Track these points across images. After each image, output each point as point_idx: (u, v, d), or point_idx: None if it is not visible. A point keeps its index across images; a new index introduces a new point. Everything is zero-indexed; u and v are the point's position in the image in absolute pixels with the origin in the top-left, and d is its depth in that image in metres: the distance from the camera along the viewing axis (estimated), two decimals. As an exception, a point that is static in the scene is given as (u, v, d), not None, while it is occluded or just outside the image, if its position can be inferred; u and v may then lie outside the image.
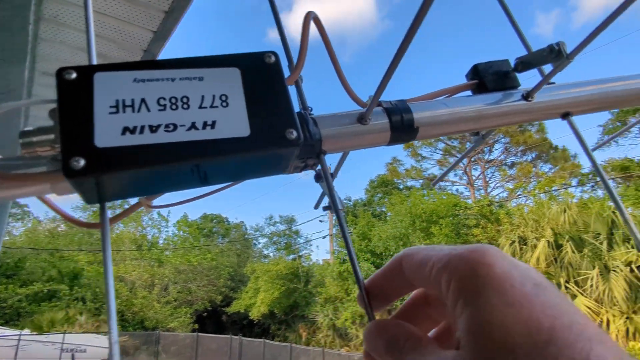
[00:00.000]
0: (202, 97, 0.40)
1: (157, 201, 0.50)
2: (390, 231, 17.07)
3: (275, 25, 0.54)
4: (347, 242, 0.46)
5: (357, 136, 0.49)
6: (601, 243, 11.86)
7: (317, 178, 0.53)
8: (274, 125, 0.40)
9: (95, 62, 0.47)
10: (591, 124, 22.12)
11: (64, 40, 1.96)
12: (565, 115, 0.57)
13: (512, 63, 0.59)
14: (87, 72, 0.38)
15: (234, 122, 0.39)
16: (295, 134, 0.40)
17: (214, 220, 29.59)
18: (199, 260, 22.58)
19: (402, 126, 0.50)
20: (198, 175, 0.40)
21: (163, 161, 0.36)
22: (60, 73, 0.37)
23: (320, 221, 25.70)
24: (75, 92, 0.37)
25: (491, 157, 26.11)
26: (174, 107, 0.39)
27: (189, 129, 0.38)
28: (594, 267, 11.47)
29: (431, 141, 24.36)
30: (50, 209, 0.47)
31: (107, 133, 0.36)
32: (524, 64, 0.56)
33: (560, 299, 0.27)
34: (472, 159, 25.44)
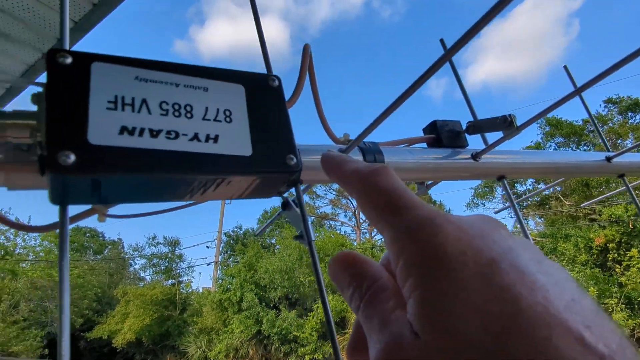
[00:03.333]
0: (206, 108, 0.38)
1: (112, 210, 0.45)
2: (278, 264, 17.00)
3: (257, 36, 0.53)
4: (318, 274, 0.46)
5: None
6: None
7: (285, 206, 0.53)
8: (276, 149, 0.39)
9: (67, 42, 0.42)
10: (465, 186, 24.68)
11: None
12: (501, 178, 0.65)
13: (463, 125, 0.66)
14: (84, 59, 0.34)
15: (237, 140, 0.38)
16: (295, 160, 0.40)
17: (87, 234, 26.83)
18: (61, 276, 20.04)
19: (373, 167, 0.52)
20: (184, 190, 0.37)
21: (164, 169, 0.33)
22: (54, 55, 0.33)
23: (207, 247, 24.73)
24: (69, 78, 0.33)
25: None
26: (176, 113, 0.36)
27: (192, 139, 0.36)
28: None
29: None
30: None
31: (102, 130, 0.32)
32: (476, 127, 0.63)
33: (525, 274, 0.23)
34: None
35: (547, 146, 22.40)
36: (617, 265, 12.33)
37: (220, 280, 20.09)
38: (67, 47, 0.40)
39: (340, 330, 14.74)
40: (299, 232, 0.49)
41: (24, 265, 20.96)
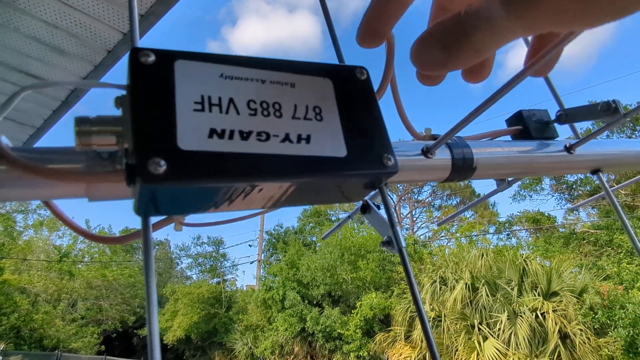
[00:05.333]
0: (295, 106, 0.35)
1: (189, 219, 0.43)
2: (319, 261, 17.05)
3: (328, 31, 0.50)
4: (410, 279, 0.42)
5: (419, 170, 0.46)
6: (512, 289, 12.61)
7: (365, 209, 0.49)
8: (371, 149, 0.36)
9: (138, 44, 0.40)
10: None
11: (17, 27, 1.76)
12: (596, 171, 0.58)
13: (551, 114, 0.60)
14: (167, 57, 0.32)
15: (330, 140, 0.34)
16: (392, 160, 0.36)
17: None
18: (115, 275, 20.92)
19: (462, 164, 0.48)
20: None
21: (258, 175, 0.30)
22: (136, 54, 0.30)
23: (250, 246, 25.14)
24: (154, 79, 0.30)
25: (420, 198, 27.28)
26: (265, 112, 0.33)
27: (283, 140, 0.32)
28: (504, 311, 12.13)
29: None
30: (65, 224, 0.38)
31: (191, 134, 0.29)
32: (569, 116, 0.57)
33: None
34: (402, 198, 26.40)
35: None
36: (682, 258, 11.60)
37: (263, 279, 20.40)
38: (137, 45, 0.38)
39: (385, 327, 14.63)
40: (385, 238, 0.45)
41: (80, 266, 22.03)
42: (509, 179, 0.64)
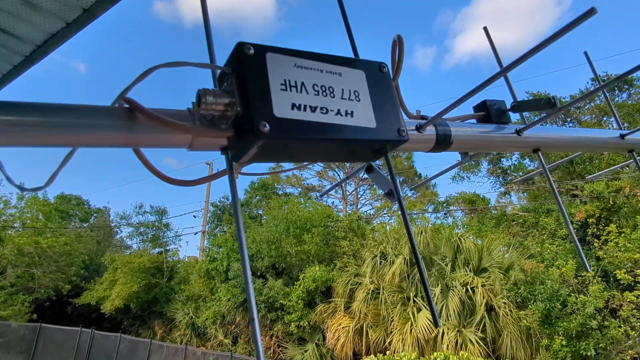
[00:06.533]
0: (342, 90, 0.48)
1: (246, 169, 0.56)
2: (265, 234, 17.22)
3: (345, 29, 0.63)
4: (409, 231, 0.57)
5: (412, 142, 0.61)
6: (446, 265, 13.45)
7: (370, 169, 0.64)
8: (391, 123, 0.50)
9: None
10: (451, 160, 24.98)
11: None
12: (536, 150, 0.77)
13: (507, 104, 0.77)
14: (261, 50, 0.44)
15: (366, 115, 0.48)
16: (405, 131, 0.51)
17: (72, 202, 26.64)
18: (49, 243, 19.97)
19: (443, 139, 0.63)
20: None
21: (322, 136, 0.44)
22: (241, 47, 0.42)
23: (194, 217, 24.80)
24: (254, 66, 0.43)
25: (364, 176, 28.00)
26: (324, 94, 0.46)
27: (337, 114, 0.46)
28: (438, 285, 12.94)
29: (314, 152, 25.19)
30: (154, 173, 0.50)
31: (281, 106, 0.43)
32: (521, 107, 0.74)
33: None
34: (349, 182, 27.00)
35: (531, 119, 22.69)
36: (595, 240, 12.80)
37: (207, 250, 20.31)
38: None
39: (326, 299, 15.13)
40: (386, 190, 0.60)
41: (10, 232, 20.82)
42: (471, 154, 0.81)
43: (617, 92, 21.18)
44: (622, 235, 11.61)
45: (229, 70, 0.43)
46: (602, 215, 13.20)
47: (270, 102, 0.42)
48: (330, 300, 14.85)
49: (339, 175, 26.99)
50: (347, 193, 27.80)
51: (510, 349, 11.36)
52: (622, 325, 10.07)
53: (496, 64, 0.83)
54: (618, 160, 16.21)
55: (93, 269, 22.69)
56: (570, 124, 21.61)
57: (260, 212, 23.12)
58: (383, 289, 13.56)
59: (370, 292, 13.85)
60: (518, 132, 0.73)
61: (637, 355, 9.94)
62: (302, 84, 0.46)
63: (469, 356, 9.63)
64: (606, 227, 12.25)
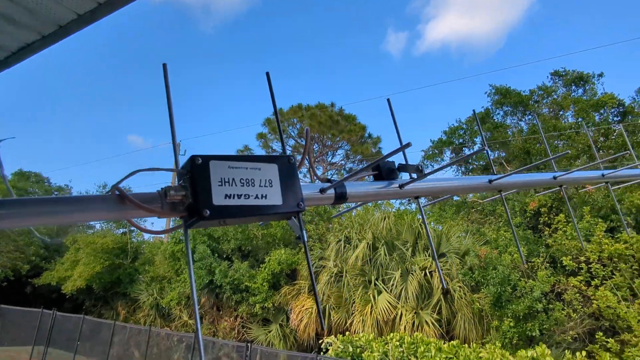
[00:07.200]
0: (260, 180, 0.74)
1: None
2: (231, 217, 17.31)
3: (275, 117, 0.89)
4: (310, 270, 0.84)
5: (317, 199, 0.88)
6: (407, 249, 14.03)
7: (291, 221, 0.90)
8: (294, 199, 0.76)
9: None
10: (416, 149, 25.68)
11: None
12: (417, 197, 1.05)
13: (396, 164, 1.05)
14: (207, 159, 0.69)
15: (275, 196, 0.74)
16: (303, 205, 0.77)
17: (32, 179, 25.88)
18: (7, 222, 19.35)
19: (340, 196, 0.90)
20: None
21: (248, 215, 0.69)
22: (193, 159, 0.67)
23: (159, 197, 24.45)
24: (201, 171, 0.68)
25: (333, 161, 28.42)
26: (247, 184, 0.72)
27: (255, 197, 0.72)
28: (398, 269, 13.52)
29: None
30: (137, 228, 0.75)
31: (217, 196, 0.68)
32: (402, 169, 1.02)
33: None
34: (317, 160, 27.29)
35: (495, 112, 23.56)
36: (546, 228, 13.57)
37: (173, 232, 20.26)
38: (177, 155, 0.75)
39: (290, 281, 15.51)
40: (297, 235, 0.87)
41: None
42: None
43: (573, 87, 22.13)
44: (569, 224, 12.41)
45: (184, 172, 0.68)
46: (554, 205, 13.98)
47: (211, 194, 0.68)
48: (295, 282, 15.23)
49: (306, 158, 27.20)
50: (315, 178, 28.13)
51: (463, 330, 12.06)
52: (565, 308, 10.85)
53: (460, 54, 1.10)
54: (572, 154, 17.15)
55: (54, 249, 22.30)
56: (530, 117, 22.50)
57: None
58: (346, 272, 14.03)
59: (334, 275, 14.31)
60: (400, 186, 1.01)
61: (577, 336, 10.77)
62: (232, 179, 0.71)
63: (422, 337, 10.21)
64: (556, 217, 13.01)
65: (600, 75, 21.46)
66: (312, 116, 25.01)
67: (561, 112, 21.63)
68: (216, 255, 17.00)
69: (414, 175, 1.02)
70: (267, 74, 0.88)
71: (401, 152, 1.10)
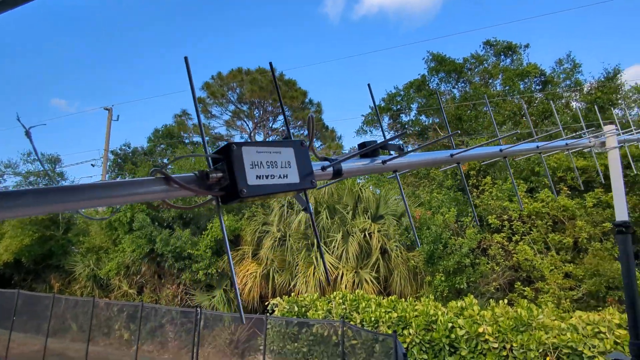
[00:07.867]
0: (281, 162, 0.86)
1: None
2: (171, 184, 16.91)
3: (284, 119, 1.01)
4: (318, 242, 0.99)
5: (319, 175, 1.02)
6: (348, 213, 14.55)
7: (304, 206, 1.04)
8: (307, 177, 0.89)
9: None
10: (356, 114, 26.06)
11: None
12: (395, 172, 1.22)
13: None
14: (240, 146, 0.80)
15: (294, 175, 0.87)
16: (315, 182, 0.90)
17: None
18: None
19: (337, 172, 1.05)
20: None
21: (274, 192, 0.82)
22: (230, 145, 0.78)
23: (93, 165, 23.34)
24: (236, 156, 0.79)
25: (274, 126, 28.23)
26: (271, 166, 0.84)
27: (279, 177, 0.84)
28: (339, 232, 14.05)
29: (222, 101, 24.77)
30: (172, 206, 0.85)
31: (251, 177, 0.80)
32: (388, 147, 1.18)
33: None
34: (258, 125, 27.00)
35: (431, 80, 24.40)
36: (475, 190, 14.59)
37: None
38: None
39: (234, 247, 15.61)
40: (303, 207, 1.01)
41: None
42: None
43: (502, 56, 23.31)
44: (495, 186, 13.44)
45: (221, 157, 0.79)
46: (482, 168, 15.00)
47: (245, 176, 0.80)
48: (239, 248, 15.36)
49: (247, 124, 26.89)
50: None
51: (400, 286, 12.90)
52: (489, 262, 11.91)
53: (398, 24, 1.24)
54: (497, 120, 18.29)
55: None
56: (462, 84, 23.54)
57: (165, 160, 22.49)
58: (289, 236, 14.34)
59: (277, 239, 14.59)
60: (383, 162, 1.18)
61: (499, 286, 11.89)
62: (260, 162, 0.83)
63: (363, 294, 10.83)
64: (484, 179, 14.03)
65: (527, 46, 22.75)
66: (253, 80, 24.53)
67: (491, 80, 22.84)
68: (156, 223, 16.63)
69: (392, 153, 1.19)
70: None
71: (380, 132, 1.25)
